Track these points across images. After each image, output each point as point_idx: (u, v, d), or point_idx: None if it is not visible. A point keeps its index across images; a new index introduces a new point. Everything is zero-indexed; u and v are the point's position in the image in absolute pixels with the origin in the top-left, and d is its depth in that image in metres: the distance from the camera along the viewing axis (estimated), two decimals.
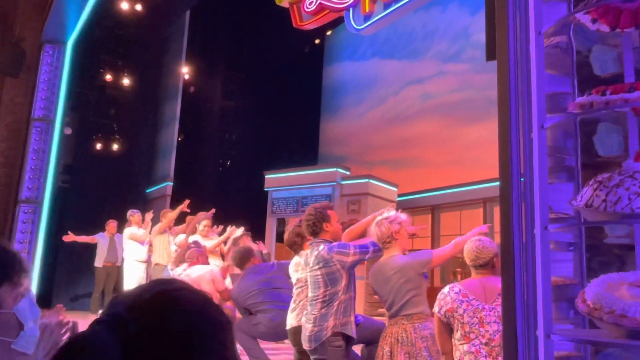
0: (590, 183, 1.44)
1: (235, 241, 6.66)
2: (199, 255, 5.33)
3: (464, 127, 11.02)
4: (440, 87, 11.95)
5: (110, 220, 8.77)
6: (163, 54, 12.95)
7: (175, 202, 10.22)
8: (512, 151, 1.52)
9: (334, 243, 3.53)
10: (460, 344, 2.84)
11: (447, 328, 2.93)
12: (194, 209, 7.61)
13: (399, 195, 10.27)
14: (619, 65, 1.72)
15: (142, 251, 7.83)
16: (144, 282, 7.84)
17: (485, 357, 2.73)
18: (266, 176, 10.77)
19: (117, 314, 0.72)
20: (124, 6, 10.62)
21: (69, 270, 10.42)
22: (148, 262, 7.92)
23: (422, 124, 12.21)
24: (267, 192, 10.76)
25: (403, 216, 3.49)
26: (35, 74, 10.02)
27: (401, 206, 9.37)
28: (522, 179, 1.55)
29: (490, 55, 1.79)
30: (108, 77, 11.50)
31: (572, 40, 1.73)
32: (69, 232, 8.41)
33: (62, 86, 10.10)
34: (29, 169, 9.57)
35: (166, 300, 0.75)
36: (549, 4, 1.76)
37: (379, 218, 3.49)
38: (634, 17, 1.42)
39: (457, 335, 2.86)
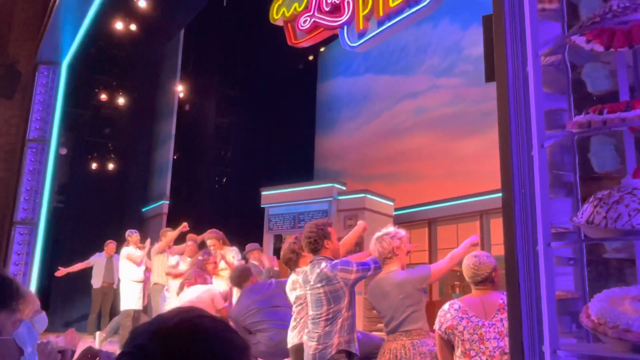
0: (590, 200, 1.47)
1: (245, 256, 6.63)
2: (197, 276, 5.32)
3: (458, 140, 11.09)
4: (433, 101, 12.04)
5: (110, 241, 8.75)
6: (158, 73, 13.01)
7: (171, 220, 10.21)
8: (513, 170, 1.55)
9: (337, 260, 3.53)
10: None
11: (449, 345, 2.94)
12: (191, 227, 7.60)
13: (396, 210, 10.29)
14: (612, 82, 1.76)
15: (138, 271, 7.80)
16: (140, 302, 7.81)
17: None
18: (262, 193, 10.77)
19: (141, 345, 0.73)
20: (119, 26, 10.69)
21: (65, 291, 10.34)
22: (144, 282, 7.89)
23: (417, 137, 12.28)
24: (263, 208, 10.75)
25: (402, 232, 3.52)
26: (30, 95, 10.04)
27: (398, 220, 9.38)
28: (523, 195, 1.58)
29: (489, 76, 1.83)
30: (103, 96, 11.54)
31: (567, 60, 1.77)
32: (59, 267, 8.37)
33: (57, 107, 10.12)
34: (24, 190, 9.55)
35: (189, 327, 0.77)
36: (543, 23, 1.80)
37: (379, 234, 3.51)
38: (627, 38, 1.45)
39: (457, 352, 2.86)
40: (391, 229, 3.55)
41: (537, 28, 1.51)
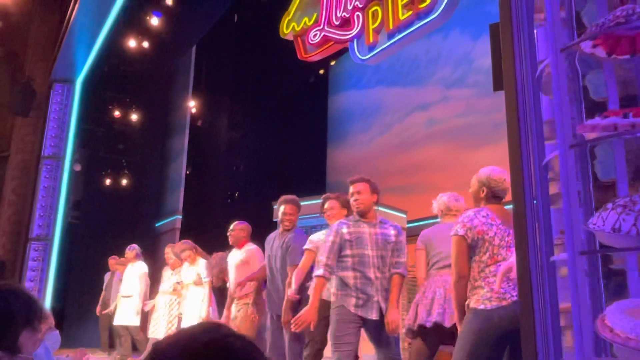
0: (610, 207, 1.43)
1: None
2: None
3: (470, 151, 11.02)
4: (445, 112, 12.00)
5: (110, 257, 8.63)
6: (170, 89, 13.14)
7: (184, 235, 10.21)
8: (524, 180, 1.52)
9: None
10: (486, 266, 2.88)
11: (469, 250, 2.95)
12: (204, 241, 7.58)
13: (408, 222, 10.20)
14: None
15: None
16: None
17: (507, 280, 2.76)
18: (274, 206, 10.76)
19: None
20: (131, 44, 10.84)
21: (79, 307, 10.38)
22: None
23: (429, 149, 12.23)
24: (275, 222, 10.73)
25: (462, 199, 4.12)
26: (45, 113, 10.19)
27: (410, 233, 9.30)
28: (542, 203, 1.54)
29: (497, 85, 1.81)
30: (116, 113, 11.67)
31: (578, 67, 1.75)
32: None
33: (72, 124, 10.26)
34: (39, 207, 9.65)
35: (219, 348, 0.75)
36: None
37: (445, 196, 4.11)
38: (631, 45, 1.43)
39: (484, 257, 2.90)
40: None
41: (559, 28, 1.48)
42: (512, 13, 1.57)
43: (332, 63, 14.27)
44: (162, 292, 6.74)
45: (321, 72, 14.58)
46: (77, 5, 8.60)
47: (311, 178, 14.30)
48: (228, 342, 0.77)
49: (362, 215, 3.85)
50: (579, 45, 1.47)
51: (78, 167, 10.79)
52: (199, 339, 0.75)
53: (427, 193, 13.11)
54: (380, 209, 10.01)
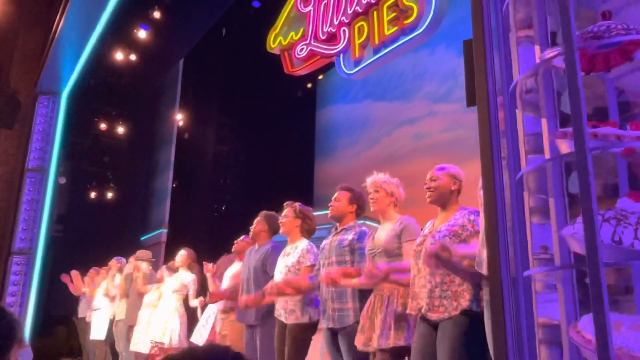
0: (599, 219, 1.42)
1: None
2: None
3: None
4: (431, 127, 12.09)
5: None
6: (157, 102, 13.11)
7: (170, 248, 10.13)
8: (495, 195, 1.53)
9: None
10: None
11: None
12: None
13: None
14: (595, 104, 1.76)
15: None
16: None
17: None
18: None
19: None
20: (118, 56, 10.82)
21: (63, 321, 10.22)
22: None
23: (415, 163, 12.28)
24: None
25: None
26: (29, 125, 10.10)
27: None
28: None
29: (471, 101, 1.83)
30: (102, 126, 11.60)
31: (554, 81, 1.77)
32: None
33: (57, 136, 10.17)
34: (22, 220, 9.52)
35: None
36: (527, 48, 1.80)
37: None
38: (605, 61, 1.45)
39: None
40: None
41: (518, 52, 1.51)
42: (484, 29, 1.59)
43: (320, 77, 14.34)
44: (145, 304, 6.62)
45: (309, 86, 14.64)
46: (63, 17, 8.57)
47: (298, 192, 14.26)
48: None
49: (336, 221, 3.90)
50: (553, 63, 1.50)
51: (63, 180, 10.68)
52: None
53: (413, 207, 13.13)
54: (367, 222, 10.02)
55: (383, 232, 3.50)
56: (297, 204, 4.48)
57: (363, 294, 3.51)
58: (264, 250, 4.64)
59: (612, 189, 1.66)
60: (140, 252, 7.14)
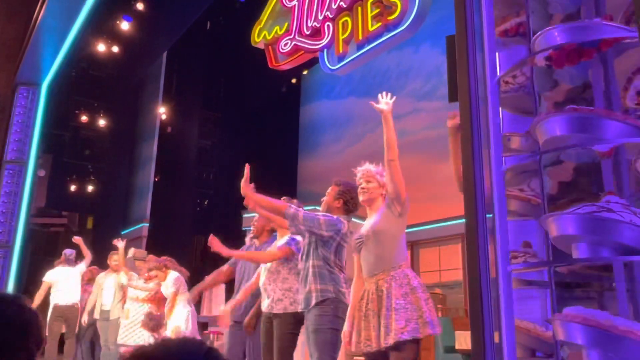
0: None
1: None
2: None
3: (440, 163, 11.15)
4: (415, 124, 12.14)
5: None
6: (140, 95, 12.97)
7: (151, 243, 10.05)
8: (475, 192, 1.53)
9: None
10: None
11: None
12: (171, 249, 7.45)
13: None
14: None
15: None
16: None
17: None
18: (244, 215, 10.69)
19: None
20: (101, 48, 10.66)
21: (43, 315, 10.08)
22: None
23: (400, 160, 12.34)
24: (245, 231, 10.65)
25: None
26: (8, 116, 9.90)
27: None
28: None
29: (453, 96, 1.83)
30: (83, 118, 11.45)
31: (534, 81, 1.77)
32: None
33: (36, 128, 9.98)
34: (0, 212, 9.36)
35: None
36: (513, 47, 1.80)
37: None
38: (577, 55, 1.47)
39: None
40: None
41: (500, 51, 1.51)
42: (467, 25, 1.59)
43: (305, 72, 14.31)
44: (133, 298, 6.52)
45: (293, 81, 14.60)
46: (44, 6, 8.40)
47: (282, 187, 14.23)
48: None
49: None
50: (534, 60, 1.50)
51: (42, 173, 10.51)
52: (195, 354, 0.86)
53: None
54: (352, 220, 10.05)
55: (370, 221, 3.45)
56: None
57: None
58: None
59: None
60: (137, 252, 7.01)
